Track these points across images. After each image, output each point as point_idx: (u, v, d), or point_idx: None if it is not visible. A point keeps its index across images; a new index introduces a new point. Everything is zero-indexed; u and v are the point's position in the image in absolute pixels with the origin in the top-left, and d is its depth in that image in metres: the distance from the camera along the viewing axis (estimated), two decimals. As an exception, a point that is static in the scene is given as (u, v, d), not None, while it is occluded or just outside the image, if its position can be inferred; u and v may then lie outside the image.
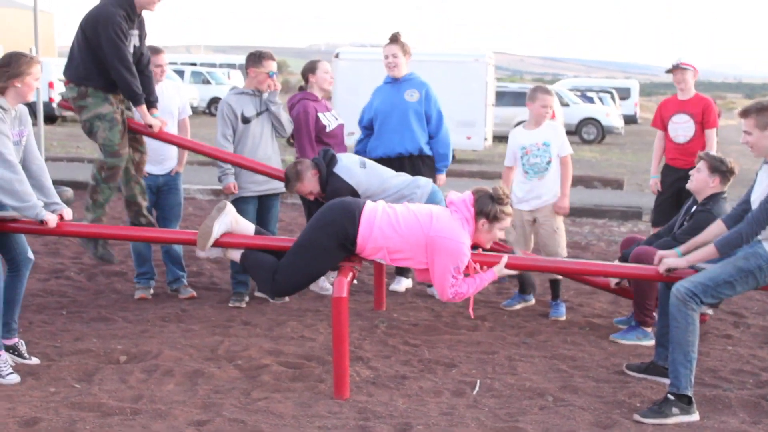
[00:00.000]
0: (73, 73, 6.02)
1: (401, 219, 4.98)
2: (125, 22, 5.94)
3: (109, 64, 5.91)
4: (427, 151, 7.23)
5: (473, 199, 4.96)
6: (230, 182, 6.77)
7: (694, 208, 6.04)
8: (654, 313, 5.98)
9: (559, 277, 6.68)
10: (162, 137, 6.46)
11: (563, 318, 6.67)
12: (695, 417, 4.66)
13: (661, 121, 7.73)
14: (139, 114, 6.21)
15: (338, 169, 6.20)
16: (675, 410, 4.63)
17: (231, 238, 5.30)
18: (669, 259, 4.99)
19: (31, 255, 5.41)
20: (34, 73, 5.11)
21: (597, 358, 5.68)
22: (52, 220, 5.18)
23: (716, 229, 5.05)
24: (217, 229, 5.21)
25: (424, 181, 6.37)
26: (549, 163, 6.77)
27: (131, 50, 6.04)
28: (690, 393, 4.68)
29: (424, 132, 7.22)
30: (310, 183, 6.23)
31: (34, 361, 5.32)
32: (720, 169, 5.91)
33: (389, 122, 7.20)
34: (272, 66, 6.83)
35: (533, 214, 6.78)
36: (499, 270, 5.08)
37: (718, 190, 5.94)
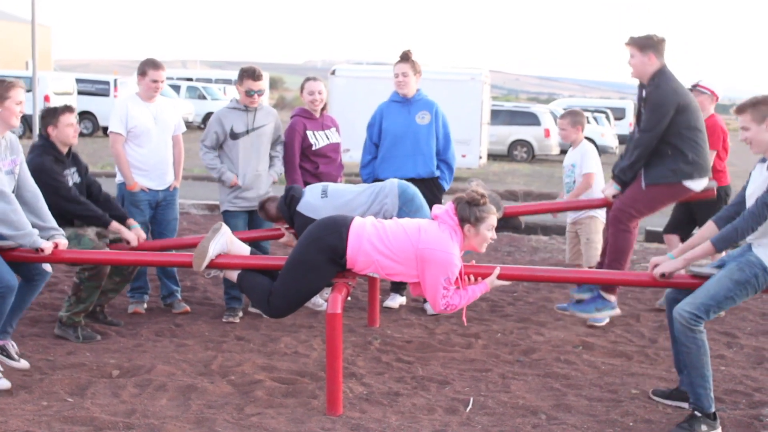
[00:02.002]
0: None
1: (390, 233, 5.02)
2: (56, 164, 6.11)
3: (58, 206, 6.00)
4: (437, 172, 7.29)
5: (454, 208, 5.00)
6: (232, 177, 6.83)
7: (644, 92, 5.96)
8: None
9: None
10: (145, 248, 6.56)
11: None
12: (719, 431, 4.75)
13: None
14: (116, 232, 6.36)
15: (301, 207, 6.24)
16: (704, 427, 4.69)
17: (226, 259, 5.32)
18: (663, 264, 4.97)
19: (48, 268, 5.46)
20: (13, 96, 5.11)
21: (590, 376, 5.68)
22: (48, 247, 5.22)
23: (708, 230, 5.00)
24: (213, 249, 5.24)
25: (388, 187, 6.34)
26: (574, 182, 7.25)
27: (75, 185, 6.20)
28: (713, 410, 4.74)
29: (435, 155, 7.27)
30: (280, 219, 6.51)
31: (23, 363, 5.33)
32: (649, 44, 5.84)
33: (401, 146, 7.20)
34: (252, 85, 6.81)
35: (574, 227, 7.39)
36: (491, 281, 5.10)
37: (658, 65, 5.86)
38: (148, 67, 6.84)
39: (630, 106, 37.24)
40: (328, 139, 7.23)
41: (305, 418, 4.74)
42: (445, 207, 5.06)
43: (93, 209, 6.22)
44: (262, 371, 5.51)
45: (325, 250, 5.03)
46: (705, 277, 4.89)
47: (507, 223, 6.80)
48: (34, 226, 5.22)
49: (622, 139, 32.49)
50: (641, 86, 6.00)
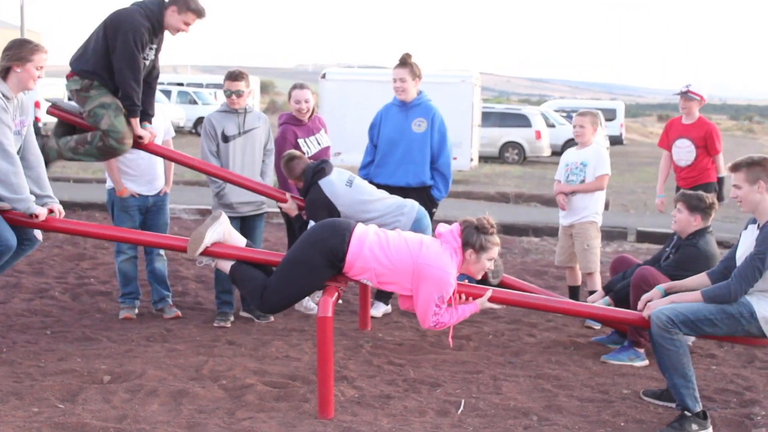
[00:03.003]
0: (83, 66, 5.99)
1: (391, 243, 5.03)
2: (148, 34, 6.00)
3: (117, 68, 5.95)
4: (429, 182, 7.23)
5: (460, 230, 5.01)
6: (231, 199, 6.83)
7: (680, 242, 6.12)
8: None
9: (597, 288, 7.09)
10: (151, 149, 6.49)
11: (598, 327, 6.95)
12: (710, 430, 4.77)
13: (666, 142, 7.99)
14: (132, 125, 6.25)
15: (322, 182, 6.27)
16: (694, 426, 4.73)
17: (221, 248, 5.32)
18: (654, 304, 5.03)
19: (39, 235, 5.46)
20: (36, 60, 5.16)
21: (581, 377, 5.69)
22: (42, 213, 5.21)
23: (700, 281, 5.15)
24: (209, 236, 5.23)
25: (408, 208, 6.37)
26: (583, 181, 7.25)
27: (144, 63, 6.10)
28: (700, 408, 4.77)
29: (428, 164, 7.20)
30: (293, 177, 6.53)
31: None
32: (699, 207, 6.03)
33: (395, 152, 7.17)
34: (230, 85, 6.82)
35: (570, 229, 7.33)
36: (482, 303, 5.10)
37: (701, 226, 6.05)
38: None
39: (621, 106, 37.33)
40: (319, 144, 7.23)
41: (297, 422, 4.74)
42: (451, 227, 5.07)
43: (137, 96, 6.07)
44: (253, 375, 5.51)
45: (325, 253, 5.04)
46: None
47: None
48: (30, 192, 5.19)
49: (613, 140, 32.60)
50: (679, 237, 6.19)
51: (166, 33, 6.18)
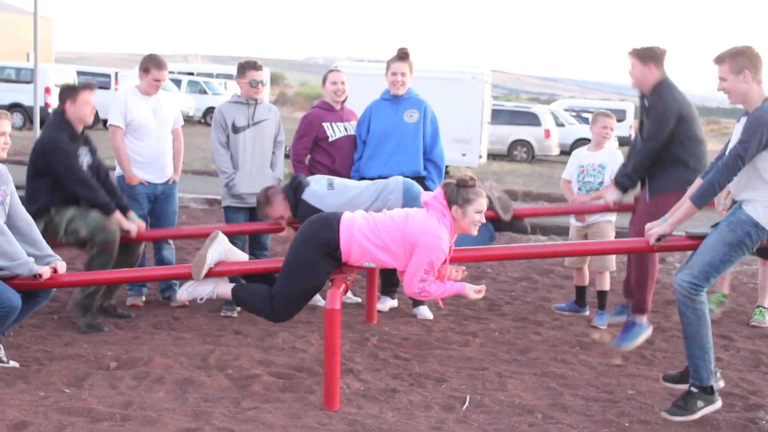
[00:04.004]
0: (34, 208, 6.01)
1: (379, 222, 5.07)
2: (71, 143, 6.13)
3: (70, 189, 6.08)
4: (424, 172, 7.21)
5: (443, 193, 5.03)
6: (241, 190, 6.86)
7: (647, 102, 5.99)
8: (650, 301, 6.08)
9: (606, 288, 7.12)
10: (144, 237, 6.60)
11: (604, 327, 6.94)
12: (719, 404, 4.79)
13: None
14: (117, 222, 6.31)
15: (306, 195, 6.26)
16: (700, 403, 4.74)
17: (225, 267, 5.34)
18: (655, 228, 5.07)
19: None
20: None
21: (587, 376, 5.69)
22: (45, 272, 5.20)
23: (695, 188, 5.07)
24: (211, 257, 5.25)
25: (393, 184, 6.37)
26: (601, 183, 7.14)
27: (84, 168, 6.20)
28: (712, 382, 4.77)
29: (421, 155, 7.17)
30: (280, 207, 6.39)
31: (12, 364, 5.29)
32: (650, 55, 5.87)
33: (387, 144, 7.10)
34: (255, 75, 6.84)
35: (585, 229, 7.21)
36: (470, 289, 5.11)
37: (660, 76, 5.88)
38: (151, 65, 6.84)
39: (630, 107, 37.22)
40: (346, 131, 7.18)
41: (302, 413, 4.75)
42: (434, 192, 5.10)
43: (101, 196, 6.21)
44: (259, 366, 5.52)
45: (319, 246, 5.05)
46: (701, 238, 4.96)
47: (512, 226, 6.80)
48: (29, 255, 5.19)
49: (622, 141, 32.56)
50: (643, 96, 6.02)
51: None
